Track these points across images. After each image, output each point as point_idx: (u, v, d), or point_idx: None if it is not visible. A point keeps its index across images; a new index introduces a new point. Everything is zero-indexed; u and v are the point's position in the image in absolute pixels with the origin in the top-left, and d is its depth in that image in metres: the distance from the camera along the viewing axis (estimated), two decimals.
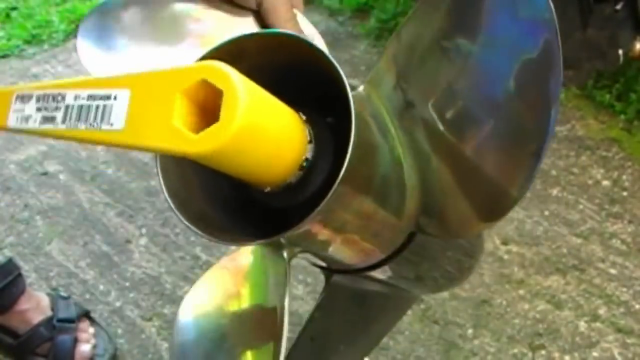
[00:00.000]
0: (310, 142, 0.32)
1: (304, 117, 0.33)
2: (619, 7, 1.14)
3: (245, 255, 0.50)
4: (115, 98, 0.28)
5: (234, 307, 0.47)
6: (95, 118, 0.29)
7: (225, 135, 0.26)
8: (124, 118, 0.28)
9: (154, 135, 0.27)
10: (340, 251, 0.40)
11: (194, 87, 0.27)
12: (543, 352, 1.07)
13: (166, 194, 0.34)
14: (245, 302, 0.46)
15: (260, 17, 0.42)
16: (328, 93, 0.33)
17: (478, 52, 0.36)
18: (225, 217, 0.37)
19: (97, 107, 0.29)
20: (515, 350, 1.07)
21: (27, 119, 0.31)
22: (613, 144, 1.37)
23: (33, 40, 1.91)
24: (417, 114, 0.38)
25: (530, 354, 1.07)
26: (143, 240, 1.30)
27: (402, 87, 0.38)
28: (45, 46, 1.89)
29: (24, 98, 0.31)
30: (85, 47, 0.41)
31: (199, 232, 0.33)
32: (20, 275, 1.06)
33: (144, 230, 1.32)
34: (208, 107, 0.27)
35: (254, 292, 0.46)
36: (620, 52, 1.19)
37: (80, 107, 0.29)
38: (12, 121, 0.31)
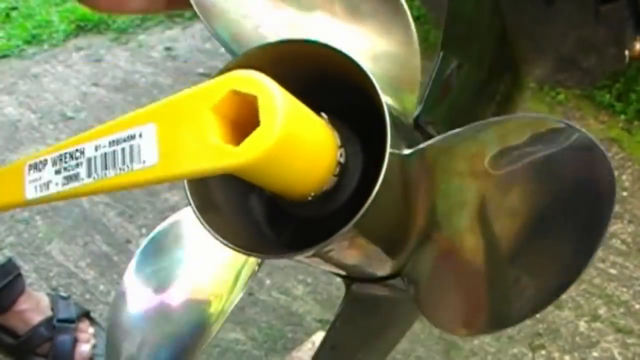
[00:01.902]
0: (340, 146, 0.32)
1: (325, 117, 0.32)
2: (623, 4, 1.14)
3: None
4: (140, 136, 0.27)
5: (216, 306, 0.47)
6: (124, 161, 0.27)
7: (271, 139, 0.25)
8: (155, 152, 0.27)
9: (193, 158, 0.26)
10: (362, 261, 0.40)
11: (223, 101, 0.26)
12: (543, 352, 1.07)
13: (190, 199, 0.33)
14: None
15: None
16: (350, 101, 0.33)
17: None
18: (248, 226, 0.36)
19: (123, 149, 0.27)
20: (515, 350, 1.07)
21: (47, 185, 0.29)
22: (613, 144, 1.37)
23: (33, 40, 1.90)
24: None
25: (530, 354, 1.07)
26: (143, 241, 1.30)
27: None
28: (45, 46, 1.89)
29: (37, 165, 0.30)
30: None
31: (233, 246, 0.33)
32: (19, 275, 1.06)
33: (144, 230, 1.32)
34: (240, 121, 0.27)
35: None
36: (627, 53, 1.19)
37: (104, 155, 0.28)
38: (31, 192, 0.29)
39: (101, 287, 1.23)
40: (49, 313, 1.09)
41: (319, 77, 0.33)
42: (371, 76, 0.31)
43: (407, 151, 0.34)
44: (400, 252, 0.39)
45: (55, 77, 1.76)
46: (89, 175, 0.28)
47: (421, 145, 0.35)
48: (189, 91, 0.27)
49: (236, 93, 0.26)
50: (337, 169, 0.32)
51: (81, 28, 1.93)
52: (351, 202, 0.32)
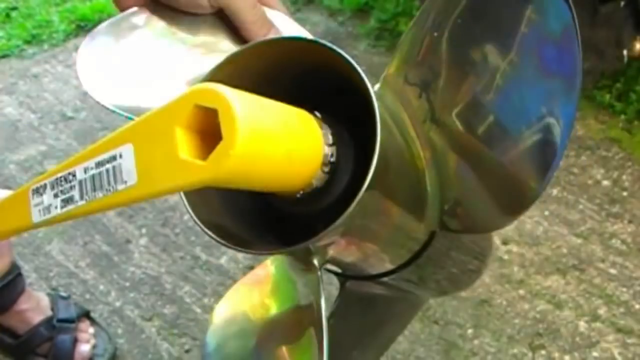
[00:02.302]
0: (331, 144, 0.32)
1: (319, 116, 0.32)
2: (622, 4, 1.14)
3: (265, 267, 0.50)
4: (120, 156, 0.28)
5: (261, 315, 0.47)
6: (109, 182, 0.29)
7: (232, 151, 0.26)
8: (134, 172, 0.28)
9: (167, 176, 0.27)
10: (359, 259, 0.40)
11: (190, 116, 0.27)
12: (543, 352, 1.07)
13: (187, 206, 0.34)
14: (273, 310, 0.46)
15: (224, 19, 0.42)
16: (341, 94, 0.33)
17: (507, 70, 0.38)
18: (244, 227, 0.37)
19: (108, 170, 0.29)
20: (515, 350, 1.07)
21: (48, 209, 0.31)
22: (613, 144, 1.37)
23: (33, 40, 1.91)
24: (439, 119, 0.39)
25: (530, 354, 1.07)
26: (143, 240, 1.30)
27: (428, 96, 0.39)
28: (45, 46, 1.89)
29: (39, 190, 0.31)
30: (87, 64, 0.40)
31: (226, 243, 0.33)
32: (20, 275, 1.06)
33: (144, 230, 1.32)
34: (209, 131, 0.27)
35: (282, 301, 0.46)
36: (625, 52, 1.19)
37: (92, 177, 0.29)
38: (36, 216, 0.31)
39: (101, 287, 1.23)
40: (49, 313, 1.09)
41: (323, 78, 0.34)
42: (360, 71, 0.32)
43: (376, 86, 0.37)
44: (425, 203, 0.40)
45: (55, 77, 1.76)
46: (82, 198, 0.30)
47: (382, 74, 0.38)
48: (158, 109, 0.28)
49: (199, 107, 0.27)
50: (327, 167, 0.32)
51: (81, 28, 1.93)
52: (346, 193, 0.33)
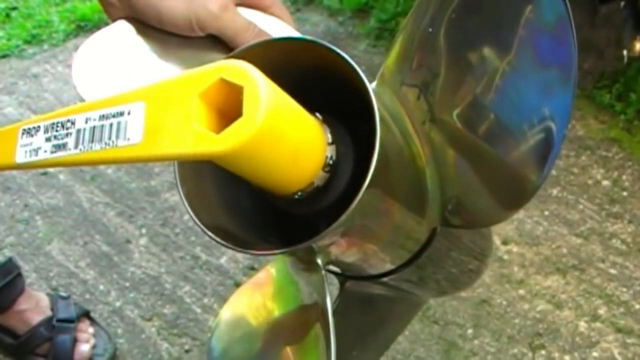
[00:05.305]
0: (331, 143, 0.32)
1: (319, 117, 0.33)
2: (622, 4, 1.14)
3: (266, 270, 0.50)
4: (129, 113, 0.28)
5: (264, 318, 0.47)
6: (110, 136, 0.28)
7: (251, 130, 0.26)
8: (141, 131, 0.27)
9: (175, 141, 0.27)
10: (359, 259, 0.40)
11: (212, 89, 0.27)
12: (543, 352, 1.07)
13: (188, 207, 0.34)
14: (276, 312, 0.46)
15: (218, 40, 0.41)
16: (339, 94, 0.33)
17: (504, 63, 0.37)
18: (244, 228, 0.37)
19: (111, 125, 0.28)
20: (515, 350, 1.07)
21: (36, 151, 0.30)
22: (613, 144, 1.37)
23: (33, 40, 1.90)
24: (438, 119, 0.39)
25: (530, 354, 1.07)
26: (143, 240, 1.30)
27: (427, 98, 0.39)
28: (45, 46, 1.89)
29: (30, 131, 0.30)
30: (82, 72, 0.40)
31: (226, 244, 0.33)
32: (19, 275, 1.06)
33: (144, 230, 1.32)
34: (227, 109, 0.27)
35: (284, 302, 0.46)
36: (625, 52, 1.19)
37: (93, 128, 0.28)
38: (21, 156, 0.30)
39: (101, 287, 1.23)
40: (49, 313, 1.09)
41: (320, 78, 0.34)
42: (360, 71, 0.32)
43: (373, 84, 0.37)
44: (425, 199, 0.40)
45: (55, 77, 1.76)
46: (76, 147, 0.29)
47: (379, 71, 0.38)
48: (180, 75, 0.28)
49: (224, 82, 0.27)
50: (327, 167, 0.32)
51: (81, 28, 1.93)
52: (346, 193, 0.33)
